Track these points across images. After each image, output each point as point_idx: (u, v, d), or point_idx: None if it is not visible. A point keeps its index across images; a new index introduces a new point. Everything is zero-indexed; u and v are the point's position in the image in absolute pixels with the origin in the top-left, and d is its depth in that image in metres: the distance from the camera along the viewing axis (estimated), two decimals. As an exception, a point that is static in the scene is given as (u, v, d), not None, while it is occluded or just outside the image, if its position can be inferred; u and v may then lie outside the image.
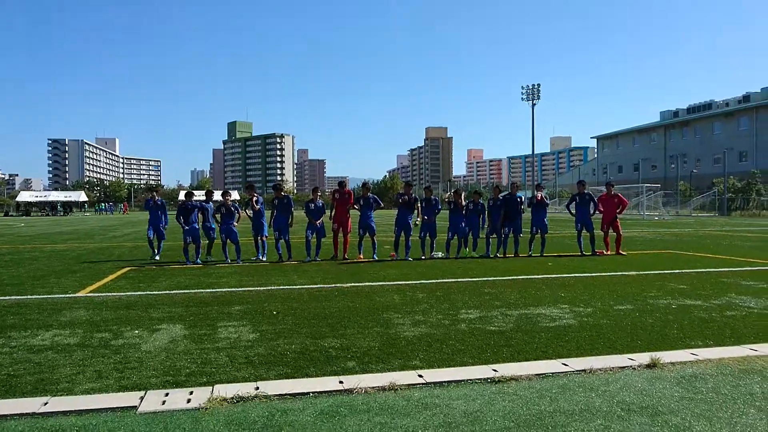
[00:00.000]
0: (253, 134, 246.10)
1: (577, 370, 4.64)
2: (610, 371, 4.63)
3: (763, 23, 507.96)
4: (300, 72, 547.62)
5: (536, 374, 4.54)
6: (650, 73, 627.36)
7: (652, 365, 4.73)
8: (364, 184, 14.79)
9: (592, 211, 14.62)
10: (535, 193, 14.94)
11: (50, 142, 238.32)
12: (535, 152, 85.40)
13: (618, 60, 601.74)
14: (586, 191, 14.83)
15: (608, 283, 9.51)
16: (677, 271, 10.99)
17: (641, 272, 10.83)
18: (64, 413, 3.80)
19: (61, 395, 4.15)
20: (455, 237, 14.12)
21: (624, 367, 4.72)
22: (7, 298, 8.45)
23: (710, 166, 71.79)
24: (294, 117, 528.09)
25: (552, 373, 4.57)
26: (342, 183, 14.34)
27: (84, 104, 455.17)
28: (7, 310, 7.42)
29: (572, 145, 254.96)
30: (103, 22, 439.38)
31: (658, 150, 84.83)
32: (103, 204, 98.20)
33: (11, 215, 74.11)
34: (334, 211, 13.75)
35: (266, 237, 13.55)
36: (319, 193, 14.09)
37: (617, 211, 14.55)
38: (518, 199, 14.37)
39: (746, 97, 79.05)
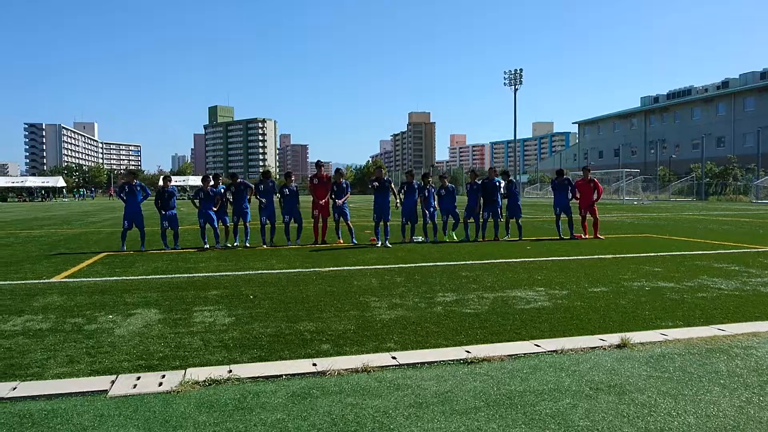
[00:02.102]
0: (235, 119, 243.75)
1: (548, 351, 4.70)
2: (581, 351, 4.69)
3: (742, 9, 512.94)
4: (282, 57, 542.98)
5: (508, 355, 4.59)
6: (631, 59, 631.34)
7: (623, 345, 4.81)
8: (338, 171, 14.71)
9: (570, 197, 14.74)
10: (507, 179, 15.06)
11: (27, 126, 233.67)
12: (518, 137, 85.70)
13: (600, 46, 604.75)
14: (565, 176, 14.99)
15: (584, 266, 9.62)
16: (653, 254, 11.15)
17: (617, 255, 10.97)
18: (33, 398, 3.76)
19: (30, 380, 4.11)
20: (430, 222, 14.17)
21: (595, 348, 4.79)
22: (-20, 283, 8.32)
23: (689, 151, 72.64)
24: (276, 101, 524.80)
25: (524, 354, 4.63)
26: (319, 163, 14.25)
27: (62, 88, 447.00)
28: (-22, 296, 7.31)
29: (554, 131, 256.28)
30: (81, 5, 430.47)
31: (639, 135, 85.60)
32: (82, 189, 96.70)
33: (-13, 201, 72.72)
34: (313, 196, 13.73)
35: (227, 225, 13.37)
36: (293, 178, 14.03)
37: (594, 198, 14.65)
38: (496, 184, 14.43)
39: (725, 83, 79.93)
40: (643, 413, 3.45)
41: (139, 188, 12.87)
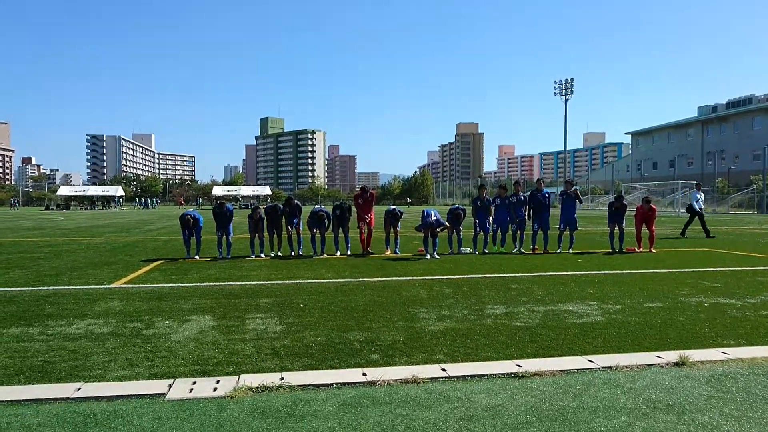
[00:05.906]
0: (285, 130, 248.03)
1: (602, 367, 4.59)
2: (636, 368, 4.56)
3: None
4: (331, 68, 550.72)
5: (561, 370, 4.50)
6: (687, 68, 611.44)
7: (681, 363, 4.65)
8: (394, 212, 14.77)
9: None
10: (569, 189, 14.75)
11: (89, 137, 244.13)
12: (568, 148, 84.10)
13: (654, 54, 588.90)
14: (624, 201, 14.64)
15: (639, 280, 9.35)
16: (711, 269, 10.74)
17: (673, 270, 10.62)
18: (96, 398, 3.92)
19: (93, 381, 4.29)
20: (481, 233, 14.09)
21: (651, 365, 4.65)
22: (46, 288, 8.73)
23: (749, 162, 69.68)
24: (325, 113, 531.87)
25: (577, 369, 4.53)
26: (365, 188, 14.47)
27: (121, 101, 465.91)
28: (44, 300, 7.67)
29: (606, 141, 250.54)
30: (139, 19, 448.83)
31: (695, 146, 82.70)
32: (145, 198, 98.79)
33: (51, 209, 76.13)
34: (359, 212, 13.97)
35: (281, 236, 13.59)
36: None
37: (649, 223, 14.46)
38: (545, 195, 14.31)
39: (789, 92, 76.62)
40: (703, 434, 3.33)
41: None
